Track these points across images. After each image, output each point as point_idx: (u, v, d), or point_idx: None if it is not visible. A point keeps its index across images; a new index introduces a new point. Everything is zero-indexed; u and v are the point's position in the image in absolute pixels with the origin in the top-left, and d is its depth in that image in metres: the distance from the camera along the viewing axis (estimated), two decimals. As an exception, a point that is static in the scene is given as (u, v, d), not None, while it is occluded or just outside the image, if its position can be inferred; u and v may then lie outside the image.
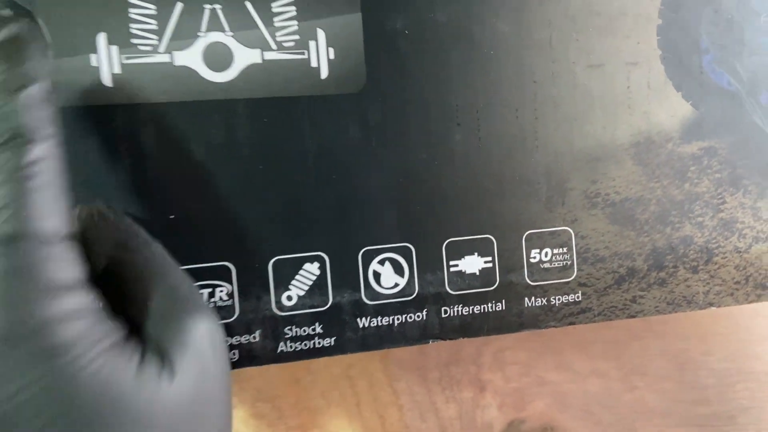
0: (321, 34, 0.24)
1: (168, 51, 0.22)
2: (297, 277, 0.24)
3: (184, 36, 0.23)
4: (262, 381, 0.32)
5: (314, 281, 0.25)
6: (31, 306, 0.16)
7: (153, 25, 0.22)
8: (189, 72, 0.23)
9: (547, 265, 0.27)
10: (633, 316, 0.28)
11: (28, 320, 0.16)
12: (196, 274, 0.23)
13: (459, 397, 0.34)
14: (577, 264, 0.27)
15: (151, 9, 0.22)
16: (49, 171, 0.17)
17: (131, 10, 0.22)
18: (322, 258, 0.25)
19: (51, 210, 0.17)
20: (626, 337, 0.37)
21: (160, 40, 0.22)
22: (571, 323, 0.27)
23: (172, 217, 0.23)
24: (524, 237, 0.27)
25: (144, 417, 0.17)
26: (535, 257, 0.27)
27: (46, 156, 0.17)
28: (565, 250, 0.27)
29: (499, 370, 0.34)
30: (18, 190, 0.16)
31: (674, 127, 0.27)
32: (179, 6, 0.22)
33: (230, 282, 0.24)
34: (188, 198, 0.23)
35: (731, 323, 0.37)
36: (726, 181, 0.28)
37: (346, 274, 0.25)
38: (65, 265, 0.17)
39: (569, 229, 0.27)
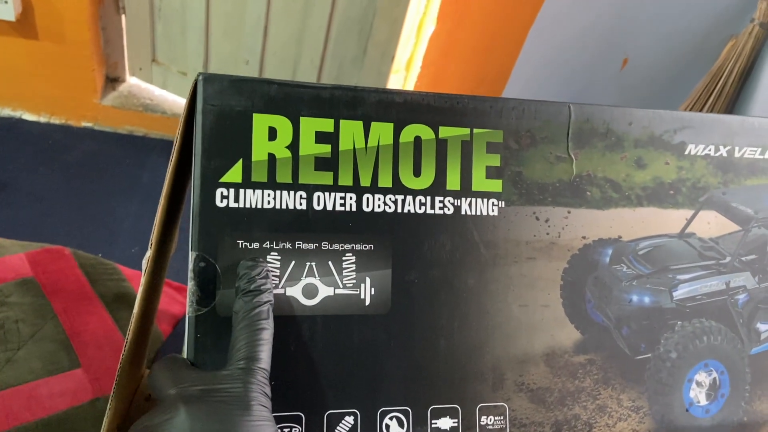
0: (368, 280, 0.41)
1: (283, 287, 0.40)
2: (341, 424, 0.40)
3: (293, 278, 0.40)
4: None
5: (350, 427, 0.40)
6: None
7: (276, 272, 0.39)
8: (293, 299, 0.40)
9: (490, 427, 0.43)
10: (542, 464, 0.44)
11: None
12: (283, 418, 0.39)
13: None
14: (509, 427, 0.44)
15: (277, 263, 0.39)
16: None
17: (269, 256, 0.39)
18: (356, 413, 0.41)
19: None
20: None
21: (280, 280, 0.40)
22: (503, 465, 0.43)
23: (273, 383, 0.39)
24: (477, 407, 0.43)
25: None
26: (483, 420, 0.43)
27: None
28: (501, 417, 0.44)
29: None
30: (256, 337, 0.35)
31: (569, 345, 0.45)
32: (293, 262, 0.40)
33: (301, 425, 0.40)
34: (284, 372, 0.39)
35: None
36: (601, 380, 0.46)
37: (369, 424, 0.41)
38: (267, 389, 0.35)
39: (505, 404, 0.44)
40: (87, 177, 1.56)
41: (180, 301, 0.93)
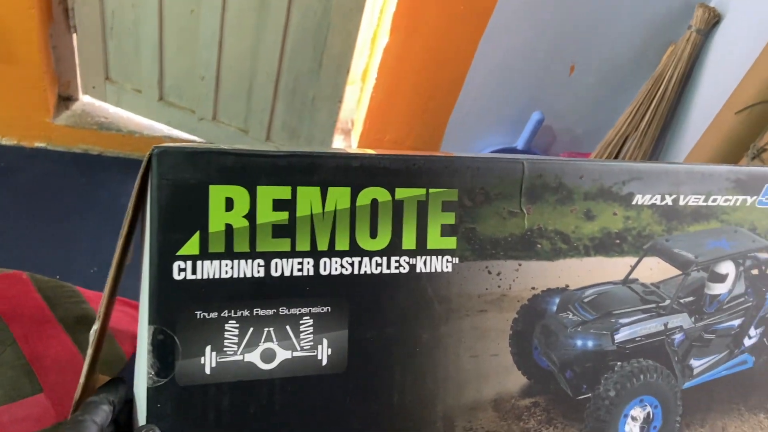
0: (324, 341, 0.43)
1: (242, 353, 0.41)
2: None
3: (251, 345, 0.41)
4: None
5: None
6: None
7: (234, 339, 0.41)
8: (251, 364, 0.41)
9: (444, 473, 0.46)
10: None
11: None
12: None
13: None
14: (462, 472, 0.46)
15: (235, 331, 0.41)
16: None
17: (225, 329, 0.41)
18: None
19: None
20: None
21: (239, 347, 0.41)
22: None
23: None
24: (431, 455, 0.45)
25: None
26: (437, 467, 0.45)
27: None
28: (454, 463, 0.46)
29: None
30: None
31: (515, 389, 0.48)
32: (251, 329, 0.41)
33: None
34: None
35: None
36: (544, 421, 0.48)
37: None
38: None
39: (457, 450, 0.46)
40: (42, 198, 1.53)
41: (140, 319, 0.93)
